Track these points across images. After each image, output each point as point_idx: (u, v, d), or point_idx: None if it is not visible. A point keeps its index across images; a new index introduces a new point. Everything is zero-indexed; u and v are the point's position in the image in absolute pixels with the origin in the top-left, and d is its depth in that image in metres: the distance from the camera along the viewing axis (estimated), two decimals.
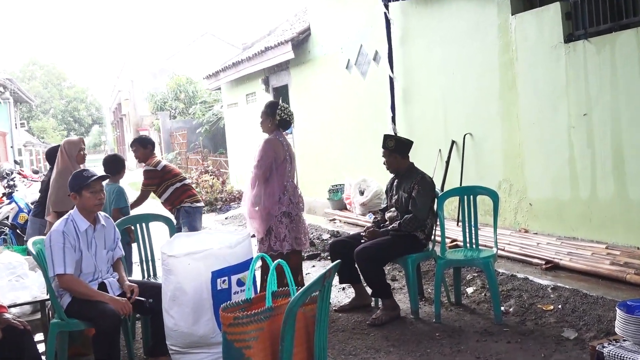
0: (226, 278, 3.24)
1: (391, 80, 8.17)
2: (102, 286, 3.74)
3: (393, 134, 8.17)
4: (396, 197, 4.94)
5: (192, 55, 34.60)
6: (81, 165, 5.16)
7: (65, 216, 3.75)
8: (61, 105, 54.90)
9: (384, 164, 4.98)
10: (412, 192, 4.76)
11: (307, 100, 11.07)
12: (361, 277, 4.96)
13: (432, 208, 4.82)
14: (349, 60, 9.62)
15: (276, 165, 4.99)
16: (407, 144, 4.96)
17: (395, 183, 5.03)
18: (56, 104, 54.01)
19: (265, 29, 16.02)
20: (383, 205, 5.25)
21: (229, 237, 3.57)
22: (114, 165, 5.44)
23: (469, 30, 6.98)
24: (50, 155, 5.66)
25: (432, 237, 4.91)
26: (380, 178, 8.80)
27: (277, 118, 5.18)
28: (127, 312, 3.51)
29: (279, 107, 5.22)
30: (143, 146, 6.01)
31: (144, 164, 6.10)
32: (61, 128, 51.92)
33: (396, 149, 4.88)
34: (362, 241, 4.82)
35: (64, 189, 4.98)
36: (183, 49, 36.38)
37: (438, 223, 4.96)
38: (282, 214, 5.04)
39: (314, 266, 6.80)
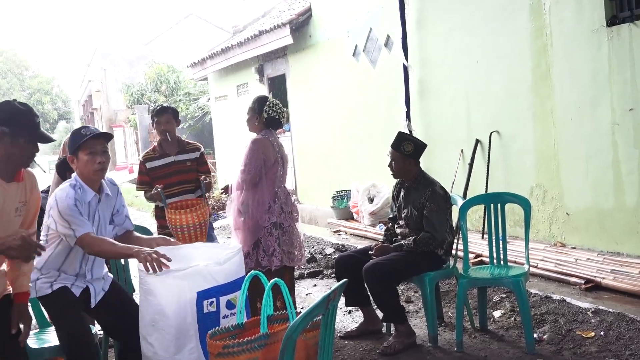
0: (214, 299, 3.23)
1: (405, 69, 8.17)
2: (86, 292, 3.68)
3: (408, 132, 8.17)
4: (406, 211, 4.92)
5: (174, 40, 34.65)
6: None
7: (70, 181, 3.62)
8: (23, 97, 54.95)
9: (390, 167, 4.95)
10: (425, 210, 4.74)
11: (308, 92, 11.08)
12: (370, 299, 4.94)
13: (448, 220, 4.81)
14: (356, 46, 9.63)
15: (266, 169, 4.96)
16: (423, 148, 4.96)
17: (402, 193, 5.01)
18: (17, 97, 54.06)
19: (259, 9, 16.05)
20: (391, 215, 5.24)
21: (216, 251, 3.55)
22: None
23: (496, 12, 6.99)
24: (62, 168, 5.17)
25: (454, 252, 4.90)
26: (392, 183, 8.78)
27: (265, 116, 5.11)
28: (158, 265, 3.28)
29: (268, 102, 5.14)
30: None
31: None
32: None
33: (414, 154, 4.87)
34: (372, 258, 4.81)
35: None
36: (164, 32, 36.45)
37: (460, 236, 4.94)
38: (272, 224, 5.01)
39: (315, 285, 6.79)
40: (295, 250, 5.18)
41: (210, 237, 5.51)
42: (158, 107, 5.66)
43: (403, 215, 4.96)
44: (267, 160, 4.95)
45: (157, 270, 3.23)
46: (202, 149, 5.76)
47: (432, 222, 4.71)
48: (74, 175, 3.66)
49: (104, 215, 3.72)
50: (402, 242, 4.81)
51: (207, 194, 5.65)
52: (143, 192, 5.68)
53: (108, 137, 3.66)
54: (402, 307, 4.80)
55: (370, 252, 4.90)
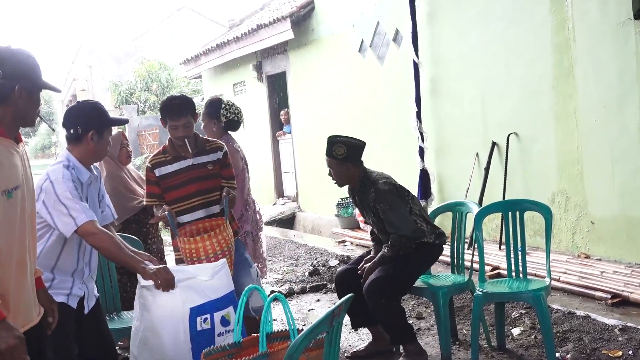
0: (208, 316, 3.23)
1: (416, 66, 8.18)
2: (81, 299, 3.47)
3: (419, 134, 8.18)
4: (368, 217, 4.91)
5: (165, 35, 34.72)
6: (131, 165, 5.51)
7: (62, 160, 3.45)
8: None
9: (330, 176, 4.84)
10: (379, 213, 4.70)
11: (310, 91, 11.09)
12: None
13: (411, 210, 4.74)
14: (362, 41, 9.65)
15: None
16: (359, 147, 4.83)
17: (357, 200, 4.95)
18: None
19: (258, 2, 16.08)
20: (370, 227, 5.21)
21: (201, 266, 3.59)
22: None
23: (515, 4, 7.00)
24: None
25: (469, 264, 4.89)
26: None
27: (223, 119, 5.22)
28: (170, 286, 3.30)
29: (224, 105, 5.31)
30: None
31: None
32: None
33: (348, 157, 4.75)
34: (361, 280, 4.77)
35: (118, 195, 5.16)
36: (154, 27, 36.53)
37: (475, 246, 4.94)
38: (246, 234, 5.09)
39: (318, 300, 6.79)
40: (260, 261, 5.30)
41: (243, 263, 4.72)
42: (169, 104, 4.42)
43: (370, 221, 4.95)
44: (235, 168, 4.98)
45: (169, 289, 3.25)
46: (224, 148, 4.64)
47: (391, 222, 4.67)
48: (64, 154, 3.48)
49: (93, 198, 3.55)
50: (383, 251, 4.78)
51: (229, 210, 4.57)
52: (154, 207, 4.66)
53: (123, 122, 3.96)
54: (409, 326, 4.78)
55: (359, 271, 4.80)
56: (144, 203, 4.94)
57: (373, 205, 4.71)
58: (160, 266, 3.28)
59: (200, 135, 4.65)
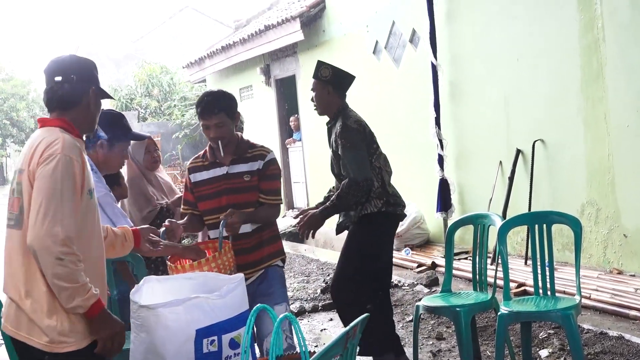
0: (215, 338, 3.22)
1: (434, 69, 8.18)
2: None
3: (438, 140, 8.17)
4: (331, 158, 4.98)
5: (167, 37, 34.93)
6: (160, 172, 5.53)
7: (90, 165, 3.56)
8: None
9: (312, 101, 5.02)
10: (338, 149, 4.75)
11: None
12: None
13: (372, 162, 4.77)
14: (377, 42, 9.66)
15: None
16: (346, 76, 5.05)
17: (328, 136, 5.05)
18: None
19: (265, 1, 16.16)
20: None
21: (215, 281, 3.54)
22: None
23: (539, 2, 6.99)
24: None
25: (493, 280, 4.86)
26: (420, 199, 8.80)
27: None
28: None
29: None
30: None
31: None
32: None
33: (332, 80, 4.94)
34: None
35: (135, 203, 5.20)
36: (155, 28, 36.78)
37: (499, 262, 4.92)
38: None
39: (331, 320, 6.78)
40: None
41: (269, 296, 4.25)
42: (201, 101, 4.17)
43: (331, 162, 4.98)
44: None
45: None
46: (270, 155, 4.24)
47: (345, 162, 4.69)
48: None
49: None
50: (332, 200, 4.75)
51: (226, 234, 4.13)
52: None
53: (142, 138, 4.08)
54: (395, 337, 4.78)
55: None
56: (159, 209, 5.10)
57: (335, 139, 4.79)
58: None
59: (246, 139, 4.29)
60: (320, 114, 5.04)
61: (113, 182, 5.08)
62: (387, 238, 4.88)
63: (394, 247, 8.62)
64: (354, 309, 4.52)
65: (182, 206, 4.40)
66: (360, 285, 4.68)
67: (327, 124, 5.02)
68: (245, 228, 4.10)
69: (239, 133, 4.29)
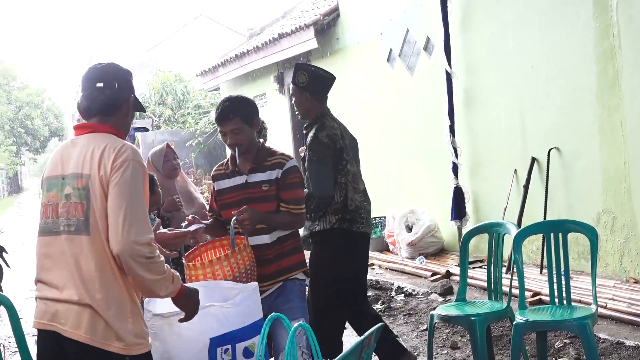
0: (229, 347, 3.22)
1: (448, 77, 8.17)
2: None
3: (452, 149, 8.15)
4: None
5: (181, 45, 35.06)
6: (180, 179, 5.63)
7: None
8: (9, 112, 55.84)
9: (293, 105, 4.98)
10: (305, 159, 4.73)
11: (335, 104, 11.04)
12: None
13: (344, 174, 4.72)
14: (391, 50, 9.66)
15: None
16: (323, 79, 4.87)
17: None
18: (3, 111, 54.96)
19: (279, 9, 16.21)
20: None
21: (229, 290, 3.55)
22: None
23: (555, 9, 6.98)
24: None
25: (508, 289, 4.84)
26: (434, 207, 8.78)
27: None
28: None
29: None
30: None
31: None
32: (9, 142, 52.69)
33: (308, 86, 4.80)
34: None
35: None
36: (169, 36, 36.92)
37: (514, 270, 4.89)
38: None
39: (345, 329, 6.75)
40: None
41: (288, 311, 3.96)
42: (218, 106, 4.05)
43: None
44: None
45: None
46: (290, 164, 4.05)
47: (308, 173, 4.65)
48: None
49: None
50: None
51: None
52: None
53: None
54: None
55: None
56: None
57: (305, 149, 4.80)
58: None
59: (267, 147, 4.16)
60: (301, 118, 5.04)
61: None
62: (343, 256, 4.68)
63: (408, 255, 8.68)
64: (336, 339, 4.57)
65: (208, 212, 4.35)
66: (326, 314, 4.59)
67: (305, 128, 4.96)
68: (264, 239, 3.95)
69: (261, 140, 4.19)
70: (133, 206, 2.78)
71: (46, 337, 2.87)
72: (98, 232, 2.80)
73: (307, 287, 4.09)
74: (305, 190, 4.44)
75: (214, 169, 4.28)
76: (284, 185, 3.97)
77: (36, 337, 3.00)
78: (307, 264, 4.15)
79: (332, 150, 4.71)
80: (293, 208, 3.97)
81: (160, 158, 5.53)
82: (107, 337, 2.79)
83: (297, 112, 5.01)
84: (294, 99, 4.92)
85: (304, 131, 4.98)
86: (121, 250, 2.73)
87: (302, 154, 5.10)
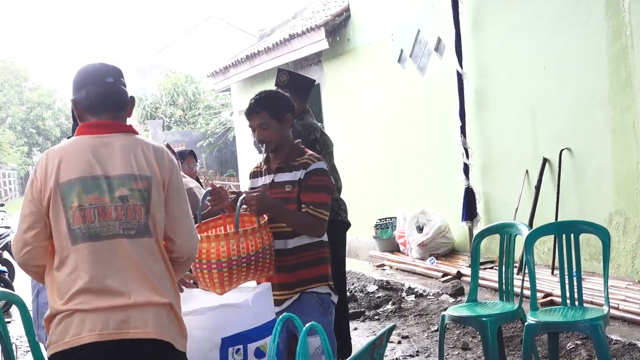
0: (240, 347, 3.22)
1: (459, 77, 8.17)
2: None
3: (463, 149, 8.14)
4: None
5: (192, 46, 35.17)
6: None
7: None
8: (21, 112, 56.08)
9: None
10: None
11: (346, 104, 11.12)
12: None
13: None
14: (402, 51, 9.65)
15: None
16: (304, 80, 5.25)
17: None
18: (14, 111, 55.20)
19: (290, 10, 16.22)
20: None
21: (242, 290, 3.55)
22: None
23: (566, 9, 6.96)
24: None
25: (519, 290, 4.83)
26: (445, 208, 8.78)
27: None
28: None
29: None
30: None
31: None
32: (21, 142, 52.94)
33: (289, 84, 5.08)
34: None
35: None
36: (180, 37, 37.04)
37: (526, 271, 4.89)
38: None
39: (356, 329, 6.76)
40: None
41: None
42: (249, 102, 3.85)
43: None
44: None
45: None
46: (316, 165, 3.77)
47: None
48: None
49: None
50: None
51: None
52: None
53: None
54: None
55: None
56: None
57: None
58: None
59: (302, 146, 3.90)
60: None
61: None
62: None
63: (419, 256, 8.68)
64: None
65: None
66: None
67: None
68: (279, 244, 3.70)
69: (299, 141, 3.93)
70: (189, 208, 2.88)
71: (106, 350, 2.66)
72: (157, 234, 2.75)
73: (332, 302, 3.81)
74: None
75: (254, 167, 4.09)
76: (306, 187, 3.70)
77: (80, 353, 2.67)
78: (330, 279, 3.82)
79: (305, 140, 4.70)
80: (312, 209, 3.65)
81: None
82: (182, 334, 2.81)
83: None
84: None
85: None
86: (192, 253, 2.87)
87: None
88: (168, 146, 5.61)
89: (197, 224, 3.46)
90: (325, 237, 3.79)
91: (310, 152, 3.86)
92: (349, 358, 2.43)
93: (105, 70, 2.93)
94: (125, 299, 2.67)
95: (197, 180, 6.21)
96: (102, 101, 2.87)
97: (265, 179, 3.88)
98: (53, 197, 2.69)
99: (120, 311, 2.66)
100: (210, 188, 3.71)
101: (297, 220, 3.68)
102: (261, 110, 3.73)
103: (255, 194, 3.59)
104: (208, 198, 3.71)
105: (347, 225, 5.17)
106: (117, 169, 2.75)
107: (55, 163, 2.72)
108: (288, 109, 3.82)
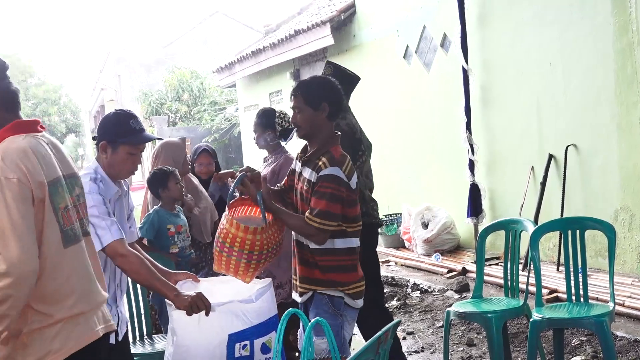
0: (247, 343, 3.23)
1: (465, 73, 8.16)
2: None
3: (468, 145, 8.14)
4: None
5: (197, 42, 35.12)
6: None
7: (88, 173, 3.37)
8: (27, 108, 56.16)
9: None
10: None
11: (351, 100, 11.10)
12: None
13: (359, 162, 4.85)
14: (407, 47, 9.64)
15: None
16: (349, 77, 5.10)
17: None
18: (20, 107, 55.30)
19: (295, 6, 16.22)
20: None
21: (246, 286, 3.56)
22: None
23: (573, 6, 6.95)
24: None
25: (524, 286, 4.83)
26: (450, 204, 8.77)
27: (278, 128, 5.43)
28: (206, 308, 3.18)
29: (277, 114, 5.48)
30: None
31: None
32: None
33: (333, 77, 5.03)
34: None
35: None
36: (186, 33, 36.99)
37: (531, 268, 4.89)
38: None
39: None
40: None
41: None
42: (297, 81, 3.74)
43: None
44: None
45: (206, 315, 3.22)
46: (328, 171, 3.59)
47: None
48: (92, 166, 3.45)
49: (121, 215, 3.50)
50: None
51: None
52: None
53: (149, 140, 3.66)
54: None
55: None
56: None
57: None
58: (194, 294, 3.20)
59: (335, 145, 3.72)
60: None
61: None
62: (365, 248, 4.75)
63: (424, 252, 8.67)
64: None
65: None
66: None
67: None
68: (289, 235, 3.82)
69: (337, 136, 3.78)
70: None
71: (99, 346, 2.70)
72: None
73: (346, 305, 3.71)
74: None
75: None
76: (314, 191, 3.59)
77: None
78: (344, 287, 3.68)
79: (351, 139, 4.77)
80: (308, 216, 3.54)
81: (182, 154, 5.59)
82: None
83: None
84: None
85: None
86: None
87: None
88: (183, 141, 5.66)
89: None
90: (344, 244, 3.67)
91: (334, 152, 3.65)
92: (354, 353, 2.44)
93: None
94: (102, 295, 2.78)
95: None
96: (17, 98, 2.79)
97: (297, 166, 3.83)
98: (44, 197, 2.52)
99: (102, 308, 2.77)
100: (243, 173, 3.61)
101: (291, 224, 3.64)
102: (298, 94, 3.70)
103: (251, 179, 3.59)
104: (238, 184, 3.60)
105: (377, 227, 5.04)
106: (65, 168, 2.71)
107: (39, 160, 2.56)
108: (325, 98, 3.67)
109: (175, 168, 5.34)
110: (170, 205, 5.22)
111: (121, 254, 3.25)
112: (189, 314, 3.17)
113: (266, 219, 3.53)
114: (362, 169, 4.88)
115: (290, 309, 2.96)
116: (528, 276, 4.93)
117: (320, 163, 3.59)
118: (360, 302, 3.73)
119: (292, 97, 3.74)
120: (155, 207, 5.24)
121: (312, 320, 2.79)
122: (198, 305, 3.15)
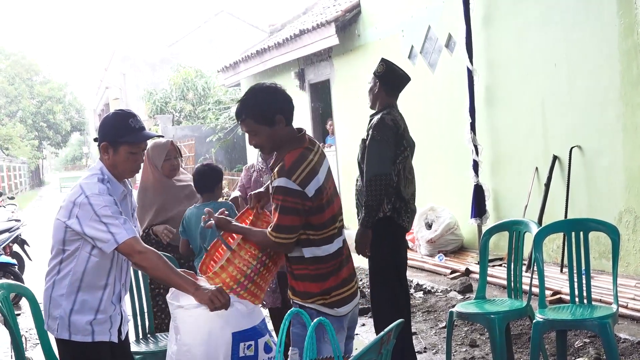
0: (252, 342, 3.23)
1: (470, 74, 8.15)
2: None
3: (473, 146, 8.13)
4: (359, 153, 5.16)
5: (202, 41, 35.20)
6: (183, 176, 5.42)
7: (95, 174, 3.41)
8: (32, 106, 56.30)
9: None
10: (367, 140, 4.92)
11: (356, 100, 11.11)
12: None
13: (401, 163, 4.94)
14: (412, 47, 9.64)
15: None
16: (399, 76, 5.16)
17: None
18: (25, 105, 55.43)
19: (300, 5, 16.22)
20: None
21: None
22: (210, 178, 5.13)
23: (578, 6, 6.93)
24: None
25: (528, 287, 4.83)
26: (454, 205, 8.76)
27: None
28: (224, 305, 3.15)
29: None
30: None
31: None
32: (31, 136, 53.16)
33: (381, 76, 5.12)
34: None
35: (145, 207, 5.18)
36: (191, 32, 37.06)
37: (535, 269, 4.88)
38: None
39: (364, 325, 6.76)
40: None
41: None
42: (237, 104, 3.55)
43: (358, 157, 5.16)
44: None
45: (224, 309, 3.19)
46: (277, 182, 3.32)
47: (368, 151, 4.83)
48: (97, 166, 3.46)
49: (126, 214, 3.48)
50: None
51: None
52: None
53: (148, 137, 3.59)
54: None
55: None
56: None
57: (369, 129, 4.95)
58: (214, 288, 3.19)
59: (294, 150, 3.41)
60: (370, 107, 5.23)
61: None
62: (387, 249, 4.92)
63: (427, 253, 8.67)
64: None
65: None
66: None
67: (370, 116, 5.16)
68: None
69: (297, 138, 3.46)
70: None
71: (104, 344, 2.97)
72: None
73: (317, 318, 3.43)
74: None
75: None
76: (273, 204, 3.37)
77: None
78: (317, 297, 3.40)
79: (395, 134, 4.91)
80: (268, 230, 3.33)
81: (162, 155, 5.20)
82: None
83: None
84: (370, 87, 5.18)
85: (369, 118, 5.14)
86: None
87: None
88: (172, 144, 5.44)
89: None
90: (311, 253, 3.38)
91: (287, 160, 3.34)
92: (356, 353, 2.44)
93: None
94: None
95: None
96: None
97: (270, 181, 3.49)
98: None
99: None
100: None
101: (256, 241, 3.39)
102: (245, 117, 3.39)
103: (217, 216, 3.48)
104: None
105: (404, 230, 5.07)
106: None
107: None
108: (277, 111, 3.36)
109: (153, 170, 5.23)
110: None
111: (139, 251, 3.25)
112: (211, 309, 3.16)
113: (230, 246, 3.44)
114: (405, 164, 4.98)
115: (293, 308, 2.96)
116: (531, 277, 4.93)
117: (274, 173, 3.35)
118: (343, 310, 3.43)
119: (239, 121, 3.45)
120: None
121: (315, 320, 2.79)
122: (219, 299, 3.15)
